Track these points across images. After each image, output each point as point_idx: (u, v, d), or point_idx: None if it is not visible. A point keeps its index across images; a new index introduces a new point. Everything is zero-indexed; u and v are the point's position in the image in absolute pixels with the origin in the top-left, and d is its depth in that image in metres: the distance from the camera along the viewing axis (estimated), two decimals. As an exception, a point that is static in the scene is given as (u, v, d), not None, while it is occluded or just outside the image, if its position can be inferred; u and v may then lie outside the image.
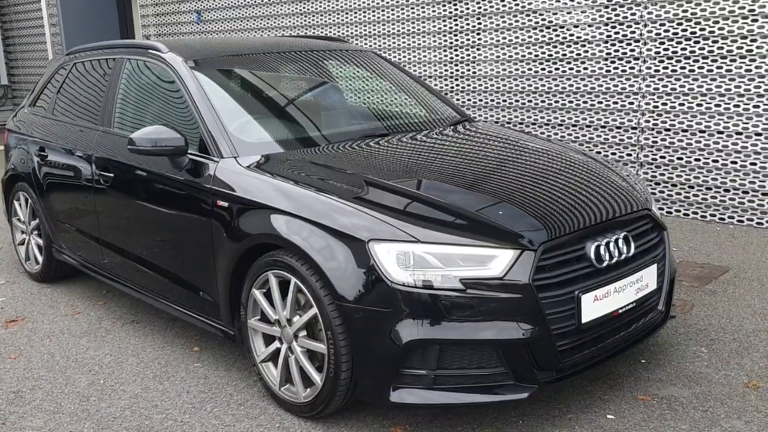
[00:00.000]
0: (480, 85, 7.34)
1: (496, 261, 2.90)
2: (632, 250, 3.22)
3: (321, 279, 3.01)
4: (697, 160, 6.06)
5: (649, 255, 3.35)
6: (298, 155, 3.64)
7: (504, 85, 7.13)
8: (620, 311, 3.16)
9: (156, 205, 3.92)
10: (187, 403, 3.46)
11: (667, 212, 6.29)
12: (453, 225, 2.99)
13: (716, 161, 5.97)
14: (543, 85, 6.86)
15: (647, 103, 6.24)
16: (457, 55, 7.47)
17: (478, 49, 7.31)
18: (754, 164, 5.79)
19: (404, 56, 7.89)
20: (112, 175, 4.21)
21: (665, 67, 6.10)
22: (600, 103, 6.51)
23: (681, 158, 6.14)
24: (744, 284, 4.66)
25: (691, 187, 6.13)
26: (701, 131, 6.00)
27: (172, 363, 3.90)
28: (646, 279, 3.29)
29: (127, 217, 4.19)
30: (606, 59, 6.43)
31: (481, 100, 7.34)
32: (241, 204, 3.39)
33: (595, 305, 3.04)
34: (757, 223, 5.82)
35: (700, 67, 5.93)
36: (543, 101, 6.88)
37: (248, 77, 4.30)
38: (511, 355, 2.91)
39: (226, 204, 3.45)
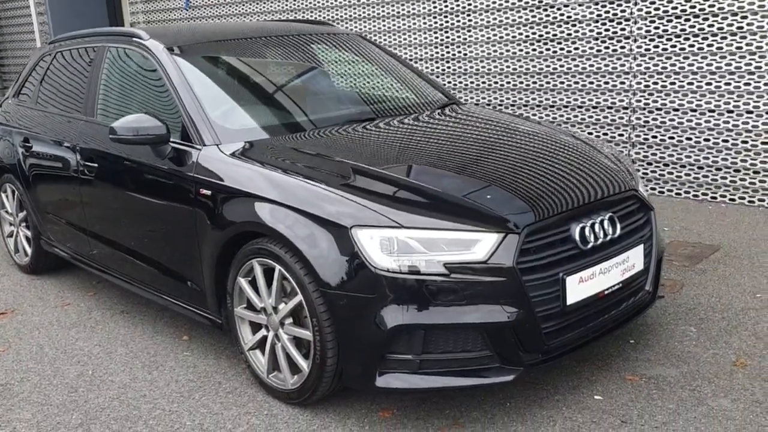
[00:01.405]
0: (471, 66, 7.30)
1: (480, 245, 2.88)
2: (618, 231, 3.20)
3: (305, 266, 3.00)
4: (689, 139, 6.03)
5: (636, 236, 3.33)
6: (281, 141, 3.61)
7: (495, 67, 7.09)
8: (606, 292, 3.15)
9: (140, 194, 3.89)
10: (176, 392, 3.46)
11: (659, 192, 6.27)
12: (437, 209, 2.97)
13: (707, 140, 5.94)
14: (534, 66, 6.82)
15: (638, 83, 6.20)
16: (447, 37, 7.42)
17: (468, 30, 7.26)
18: (746, 142, 5.77)
19: (394, 39, 7.84)
20: (96, 165, 4.18)
21: (656, 46, 6.06)
22: (591, 83, 6.48)
23: (672, 137, 6.11)
24: (734, 263, 4.65)
25: (683, 166, 6.11)
26: (692, 110, 5.97)
27: (161, 352, 3.89)
28: (633, 259, 3.27)
29: (113, 207, 4.17)
30: (596, 38, 6.39)
31: (472, 83, 7.30)
32: (224, 192, 3.36)
33: (580, 287, 3.02)
34: (749, 202, 5.81)
35: (690, 45, 5.89)
36: (534, 82, 6.84)
37: (232, 63, 4.26)
38: (496, 338, 2.90)
39: (209, 192, 3.43)
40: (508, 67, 6.99)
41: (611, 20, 6.27)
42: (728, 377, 3.30)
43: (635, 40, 6.16)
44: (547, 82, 6.75)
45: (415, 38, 7.67)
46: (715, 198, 5.98)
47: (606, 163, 3.53)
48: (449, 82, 7.48)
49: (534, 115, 6.88)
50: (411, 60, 7.70)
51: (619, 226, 3.21)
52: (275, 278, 3.16)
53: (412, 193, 3.05)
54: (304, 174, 3.19)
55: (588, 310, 3.12)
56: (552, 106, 6.75)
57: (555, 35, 6.62)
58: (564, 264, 3.00)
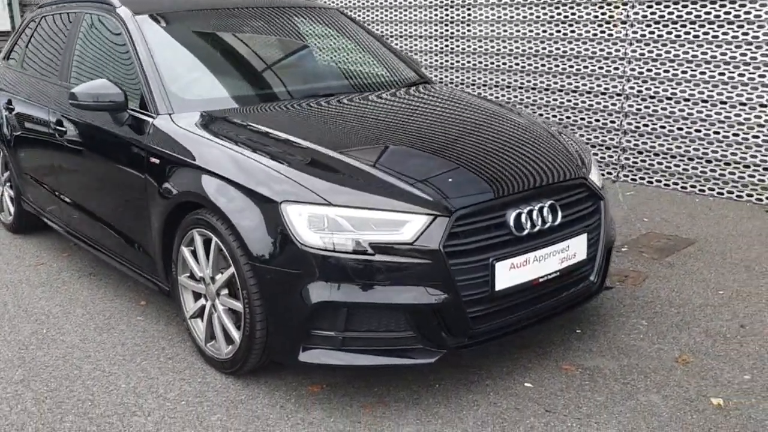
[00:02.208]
0: (469, 46, 7.22)
1: (409, 226, 2.88)
2: (558, 219, 3.17)
3: (237, 239, 3.02)
4: (680, 129, 5.92)
5: (580, 224, 3.29)
6: (235, 114, 3.62)
7: (492, 47, 7.00)
8: (541, 280, 3.13)
9: (101, 160, 3.95)
10: (119, 355, 3.53)
11: (647, 182, 6.17)
12: (369, 189, 2.96)
13: (699, 131, 5.83)
14: (530, 48, 6.73)
15: (632, 69, 6.09)
16: (447, 14, 7.34)
17: (468, 9, 7.17)
18: (737, 135, 5.65)
19: (393, 14, 7.77)
20: (64, 129, 4.24)
21: (651, 32, 5.93)
22: (586, 68, 6.37)
23: (664, 127, 6.00)
24: (705, 258, 4.58)
25: (673, 156, 6.00)
26: (686, 99, 5.85)
27: (117, 315, 3.96)
28: (574, 249, 3.24)
29: (79, 172, 4.23)
30: (593, 22, 6.27)
31: (469, 62, 7.22)
32: (171, 162, 3.40)
33: (511, 273, 3.00)
34: (737, 197, 5.70)
35: (686, 33, 5.75)
36: (530, 64, 6.74)
37: (201, 33, 4.27)
38: (420, 319, 2.91)
39: (157, 161, 3.46)
40: (505, 47, 6.90)
41: (609, 3, 6.15)
42: (666, 373, 3.27)
43: (632, 25, 6.03)
44: (543, 65, 6.65)
45: (416, 15, 7.59)
46: (703, 191, 5.87)
47: (556, 150, 3.48)
48: (449, 62, 7.40)
49: (528, 98, 6.79)
50: (413, 37, 7.64)
51: (560, 214, 3.18)
52: (212, 249, 3.19)
53: (347, 172, 3.05)
54: (245, 147, 3.20)
55: (520, 297, 3.10)
56: (546, 89, 6.65)
57: (552, 17, 6.51)
58: (495, 249, 2.98)
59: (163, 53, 3.86)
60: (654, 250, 4.70)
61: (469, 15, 7.18)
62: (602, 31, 6.21)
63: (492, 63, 7.04)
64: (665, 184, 6.08)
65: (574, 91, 6.48)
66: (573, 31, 6.40)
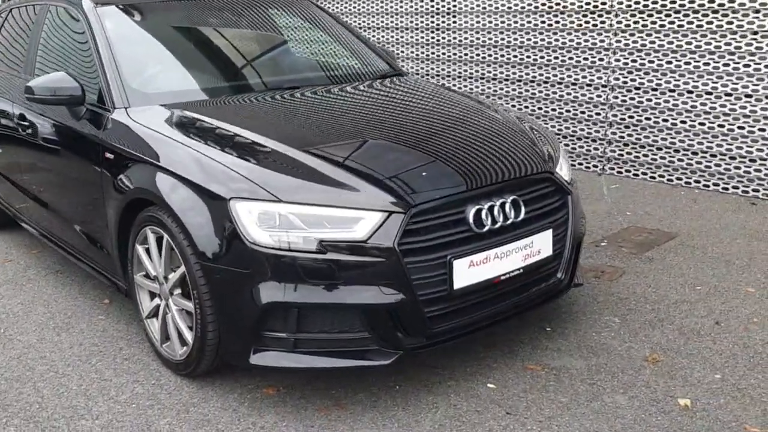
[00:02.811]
0: (455, 38, 7.10)
1: (362, 223, 2.77)
2: (522, 215, 3.06)
3: (186, 237, 2.93)
4: (665, 120, 5.80)
5: (544, 220, 3.18)
6: (193, 107, 3.51)
7: (477, 39, 6.88)
8: (503, 278, 3.02)
9: (61, 156, 3.86)
10: (75, 356, 3.44)
11: (633, 174, 6.06)
12: (322, 185, 2.86)
13: (684, 122, 5.71)
14: (515, 39, 6.60)
15: (617, 60, 5.97)
16: (433, 5, 7.22)
17: (455, 1, 7.05)
18: (722, 126, 5.52)
19: (379, 5, 7.65)
20: (26, 124, 4.15)
21: (636, 22, 5.81)
22: (571, 59, 6.25)
23: (649, 119, 5.88)
24: (686, 252, 4.47)
25: (659, 149, 5.88)
26: (671, 90, 5.73)
27: (78, 314, 3.87)
28: (538, 245, 3.13)
29: (42, 168, 4.14)
30: (578, 12, 6.14)
31: (455, 54, 7.10)
32: (124, 157, 3.30)
33: (470, 271, 2.90)
34: (723, 189, 5.58)
35: (671, 22, 5.63)
36: (515, 56, 6.62)
37: (166, 25, 4.16)
38: (374, 320, 2.81)
39: (112, 156, 3.37)
40: (490, 39, 6.78)
41: (595, -7, 6.03)
42: (635, 373, 3.17)
43: (617, 15, 5.91)
44: (528, 56, 6.53)
45: (403, 6, 7.47)
46: (689, 183, 5.75)
47: (521, 144, 3.36)
48: (435, 54, 7.28)
49: (512, 90, 6.67)
50: (405, 30, 7.53)
51: (523, 210, 3.07)
52: (164, 247, 3.10)
53: (301, 168, 2.94)
54: (197, 142, 3.10)
55: (480, 296, 3.00)
56: (532, 81, 6.54)
57: (537, 7, 6.39)
58: (454, 247, 2.87)
59: (124, 46, 3.76)
60: (634, 245, 4.60)
61: (455, 6, 7.05)
62: (587, 22, 6.09)
63: (477, 55, 6.92)
64: (651, 177, 5.96)
65: (560, 83, 6.36)
66: (558, 22, 6.27)
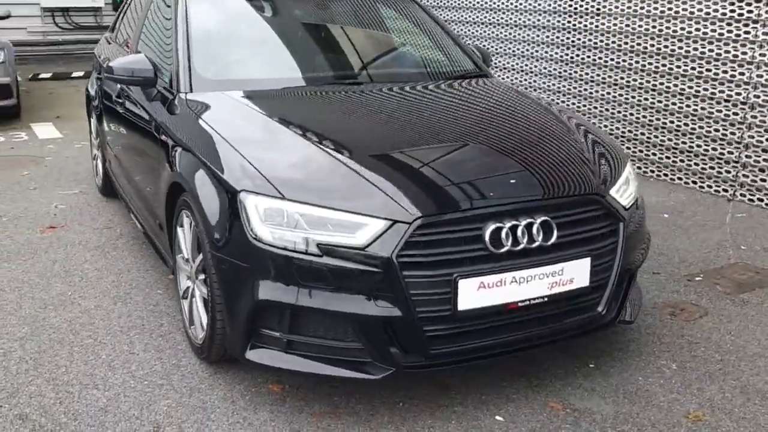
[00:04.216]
0: (593, 40, 6.67)
1: (365, 230, 2.66)
2: (553, 239, 2.80)
3: (204, 224, 2.95)
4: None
5: (582, 247, 2.89)
6: (242, 96, 3.53)
7: (614, 43, 6.42)
8: (521, 305, 2.78)
9: (139, 134, 4.03)
10: (118, 327, 3.59)
11: (766, 204, 5.40)
12: (331, 187, 2.78)
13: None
14: (652, 46, 6.08)
15: (759, 75, 5.32)
16: (572, 5, 6.83)
17: (595, 1, 6.62)
18: None
19: (514, 2, 7.35)
20: (122, 101, 4.39)
21: (785, 34, 5.15)
22: (709, 71, 5.66)
23: (791, 143, 5.21)
24: (791, 299, 3.92)
25: (799, 178, 5.20)
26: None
27: (141, 287, 4.04)
28: (571, 273, 2.85)
29: (129, 144, 4.36)
30: (721, 20, 5.54)
31: (589, 57, 6.68)
32: (173, 141, 3.39)
33: (480, 293, 2.69)
34: None
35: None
36: (650, 64, 6.10)
37: (250, 14, 4.22)
38: (368, 332, 2.69)
39: (164, 138, 3.47)
40: (624, 44, 6.30)
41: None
42: (666, 430, 2.81)
43: (764, 25, 5.27)
44: (665, 65, 6.00)
45: (543, 4, 7.14)
46: (829, 221, 5.04)
47: (571, 160, 3.08)
48: (571, 57, 6.89)
49: (643, 100, 6.16)
50: (532, 27, 7.20)
51: (555, 233, 2.81)
52: (191, 231, 3.15)
53: (318, 167, 2.88)
54: (229, 133, 3.12)
55: (491, 321, 2.78)
56: (666, 92, 6.00)
57: (677, 13, 5.84)
58: (462, 265, 2.68)
59: (202, 32, 3.86)
60: (732, 284, 4.09)
61: (597, 8, 6.64)
62: (729, 31, 5.49)
63: (611, 60, 6.47)
64: (785, 209, 5.29)
65: (695, 95, 5.79)
66: (698, 30, 5.71)
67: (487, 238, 2.70)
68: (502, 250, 2.72)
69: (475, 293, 2.69)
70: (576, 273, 2.87)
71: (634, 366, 3.26)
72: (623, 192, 3.13)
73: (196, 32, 3.82)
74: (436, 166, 2.91)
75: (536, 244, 2.77)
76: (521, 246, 2.75)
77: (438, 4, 8.49)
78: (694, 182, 5.89)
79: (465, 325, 2.74)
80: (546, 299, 2.82)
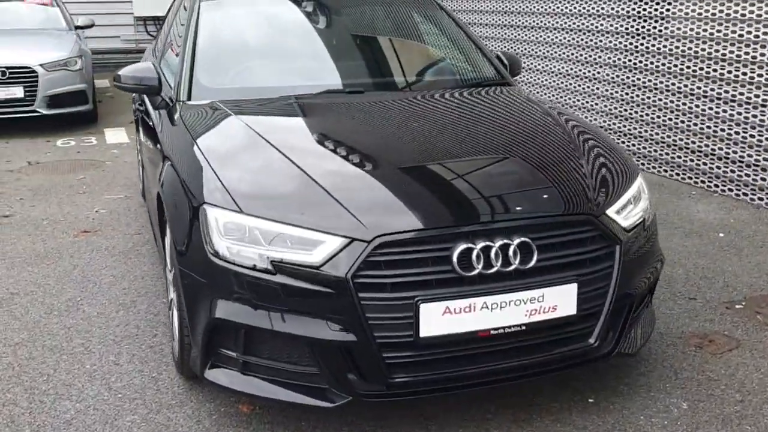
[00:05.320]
0: (661, 46, 6.25)
1: (322, 248, 2.50)
2: (532, 262, 2.56)
3: (172, 235, 2.88)
4: None
5: (568, 272, 2.62)
6: (242, 106, 3.43)
7: (684, 48, 5.99)
8: (493, 332, 2.55)
9: (150, 142, 4.02)
10: (112, 336, 3.56)
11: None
12: (293, 202, 2.63)
13: None
14: (717, 51, 5.63)
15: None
16: (640, 9, 6.43)
17: (662, 4, 6.20)
18: None
19: (578, 6, 6.99)
20: (144, 109, 4.40)
21: None
22: (744, 74, 5.18)
23: None
24: (842, 334, 3.48)
25: None
26: None
27: (147, 295, 4.01)
28: (553, 300, 2.59)
29: (145, 151, 4.36)
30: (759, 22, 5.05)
31: (657, 63, 6.26)
32: (163, 149, 3.34)
33: (445, 318, 2.48)
34: None
35: None
36: (715, 70, 5.65)
37: (264, 20, 4.13)
38: (324, 356, 2.53)
39: (159, 147, 3.43)
40: (692, 49, 5.86)
41: None
42: (660, 478, 2.51)
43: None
44: (730, 71, 5.53)
45: (606, 8, 6.76)
46: None
47: (564, 177, 2.81)
48: (635, 63, 6.49)
49: (707, 109, 5.70)
50: (596, 32, 6.83)
51: (535, 256, 2.56)
52: (167, 242, 3.08)
53: (282, 181, 2.75)
54: (205, 142, 3.03)
55: (461, 349, 2.56)
56: (732, 101, 5.53)
57: (744, 16, 5.38)
58: (425, 288, 2.48)
59: (210, 39, 3.81)
60: (775, 314, 3.68)
61: (666, 11, 6.22)
62: (765, 33, 5.00)
63: (677, 66, 6.04)
64: None
65: (747, 103, 5.31)
66: (750, 33, 5.23)
67: (454, 259, 2.49)
68: (473, 273, 2.50)
69: (439, 319, 2.48)
70: (559, 300, 2.60)
71: (638, 403, 2.95)
72: (627, 211, 2.84)
73: (203, 41, 3.77)
74: (405, 182, 2.72)
75: (512, 267, 2.54)
76: (494, 269, 2.52)
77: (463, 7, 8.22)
78: (761, 198, 5.39)
79: (429, 353, 2.54)
80: (524, 327, 2.58)
